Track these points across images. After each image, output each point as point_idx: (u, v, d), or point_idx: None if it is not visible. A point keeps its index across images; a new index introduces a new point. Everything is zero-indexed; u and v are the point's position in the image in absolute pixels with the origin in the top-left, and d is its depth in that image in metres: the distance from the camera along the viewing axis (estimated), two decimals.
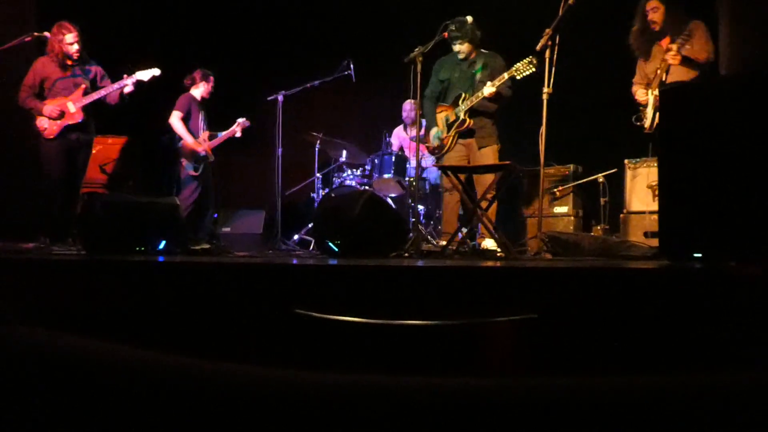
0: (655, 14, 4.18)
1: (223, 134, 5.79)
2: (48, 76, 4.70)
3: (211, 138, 5.70)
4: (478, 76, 4.57)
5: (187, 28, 6.67)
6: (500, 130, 4.66)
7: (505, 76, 4.21)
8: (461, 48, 4.60)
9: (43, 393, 0.79)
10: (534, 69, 3.99)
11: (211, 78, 5.74)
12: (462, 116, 4.52)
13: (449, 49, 4.70)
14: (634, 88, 4.39)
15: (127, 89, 4.79)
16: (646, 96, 4.17)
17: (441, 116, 4.72)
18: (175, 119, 5.53)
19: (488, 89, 4.31)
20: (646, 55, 4.27)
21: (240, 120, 5.82)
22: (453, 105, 4.63)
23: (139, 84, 4.87)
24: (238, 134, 5.82)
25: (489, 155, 4.54)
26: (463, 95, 4.54)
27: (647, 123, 4.19)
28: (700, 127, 2.20)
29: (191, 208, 5.53)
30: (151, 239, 3.42)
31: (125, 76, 4.82)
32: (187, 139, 5.52)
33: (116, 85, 4.79)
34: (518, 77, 4.14)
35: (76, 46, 4.68)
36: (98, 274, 2.23)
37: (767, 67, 3.78)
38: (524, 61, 4.07)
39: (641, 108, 4.26)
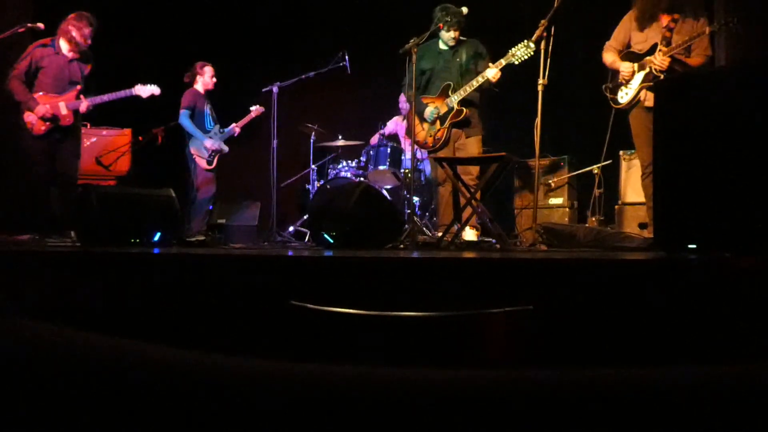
0: None
1: (237, 124, 5.83)
2: (46, 67, 4.60)
3: (221, 130, 5.75)
4: (466, 64, 4.53)
5: (181, 20, 6.62)
6: (484, 119, 4.64)
7: (503, 62, 4.17)
8: (454, 35, 4.53)
9: (36, 385, 0.79)
10: (532, 52, 3.95)
11: (209, 68, 5.74)
12: (456, 107, 4.47)
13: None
14: (608, 55, 4.00)
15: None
16: (632, 70, 3.82)
17: (428, 109, 4.61)
18: (184, 118, 5.58)
19: (492, 71, 4.23)
20: (646, 22, 3.83)
21: (253, 108, 5.85)
22: (441, 96, 4.56)
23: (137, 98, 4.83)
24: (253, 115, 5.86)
25: (474, 144, 4.55)
26: (452, 85, 4.50)
27: (626, 99, 3.87)
28: (695, 117, 2.20)
29: (212, 199, 5.69)
30: (147, 231, 3.41)
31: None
32: (197, 135, 5.58)
33: (113, 95, 4.73)
34: (516, 62, 4.11)
35: (89, 41, 4.63)
36: (93, 266, 2.23)
37: (762, 59, 3.78)
38: (519, 45, 4.03)
39: (622, 82, 3.88)
